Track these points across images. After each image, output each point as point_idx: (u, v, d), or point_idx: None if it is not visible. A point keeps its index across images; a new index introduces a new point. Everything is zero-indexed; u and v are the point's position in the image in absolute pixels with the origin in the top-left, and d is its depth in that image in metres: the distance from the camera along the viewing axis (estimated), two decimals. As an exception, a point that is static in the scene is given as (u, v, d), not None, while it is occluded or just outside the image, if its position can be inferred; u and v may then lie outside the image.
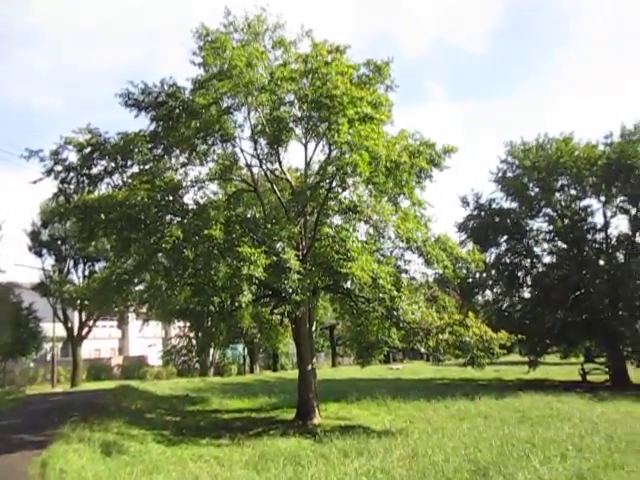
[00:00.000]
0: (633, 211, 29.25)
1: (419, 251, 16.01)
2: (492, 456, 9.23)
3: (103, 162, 16.18)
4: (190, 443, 12.56)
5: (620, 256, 30.17)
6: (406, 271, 17.52)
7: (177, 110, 15.57)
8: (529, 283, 32.22)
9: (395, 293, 13.94)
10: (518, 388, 23.98)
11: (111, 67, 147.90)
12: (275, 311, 19.90)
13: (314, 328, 18.53)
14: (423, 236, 16.15)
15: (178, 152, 16.56)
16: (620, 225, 30.63)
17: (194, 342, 17.67)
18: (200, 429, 15.06)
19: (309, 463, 9.58)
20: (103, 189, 16.61)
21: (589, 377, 30.83)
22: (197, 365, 32.69)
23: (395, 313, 14.00)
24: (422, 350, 16.78)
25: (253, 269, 12.39)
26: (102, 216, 15.27)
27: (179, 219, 15.60)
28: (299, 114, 15.56)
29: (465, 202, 32.72)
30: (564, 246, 30.95)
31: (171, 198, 16.03)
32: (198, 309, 15.83)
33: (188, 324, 18.26)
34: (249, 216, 18.15)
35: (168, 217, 15.87)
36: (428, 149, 16.05)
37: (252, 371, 44.28)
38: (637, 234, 29.63)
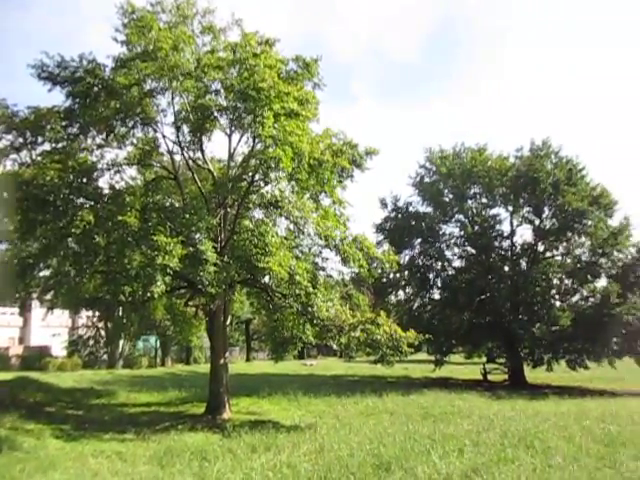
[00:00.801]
0: (537, 222, 31.31)
1: (337, 249, 16.25)
2: (395, 451, 9.54)
3: (9, 137, 15.10)
4: (92, 438, 12.00)
5: (523, 263, 32.03)
6: (323, 268, 17.72)
7: (96, 88, 14.81)
8: (439, 285, 33.53)
9: (311, 290, 14.07)
10: (424, 386, 24.96)
11: (28, 36, 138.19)
12: (190, 303, 19.51)
13: (229, 322, 18.32)
14: (341, 235, 16.41)
15: (95, 132, 15.77)
16: (525, 234, 32.69)
17: (102, 333, 16.94)
18: (104, 424, 14.40)
19: (216, 458, 9.46)
20: (8, 165, 15.54)
21: (490, 376, 32.67)
22: (105, 357, 31.36)
23: (310, 309, 14.15)
24: (334, 347, 17.07)
25: (168, 259, 12.04)
26: (5, 194, 14.25)
27: (92, 203, 14.84)
28: (225, 104, 15.27)
29: (384, 204, 33.61)
30: (473, 251, 32.50)
31: (84, 180, 15.19)
32: (108, 298, 15.14)
33: (97, 313, 17.47)
34: (167, 204, 17.57)
35: (80, 200, 15.03)
36: (351, 149, 16.33)
37: (164, 364, 43.06)
38: (539, 243, 31.75)
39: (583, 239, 30.55)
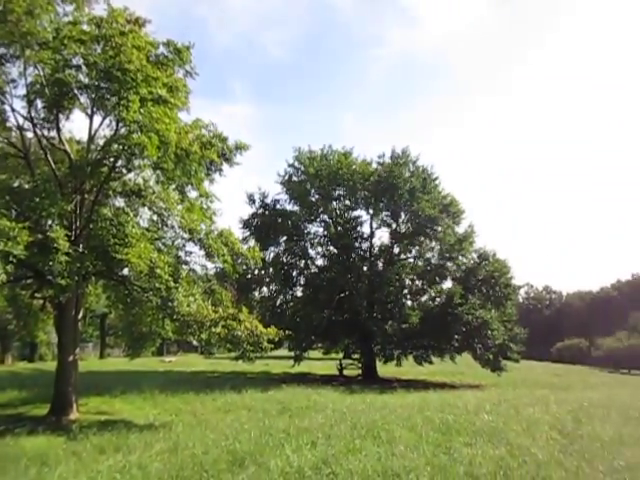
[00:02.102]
0: (394, 225, 33.27)
1: (201, 243, 15.91)
2: (250, 446, 9.58)
3: None
4: None
5: (380, 264, 33.78)
6: (186, 262, 17.23)
7: None
8: (302, 283, 34.31)
9: (172, 284, 13.61)
10: (283, 381, 25.36)
11: None
12: (37, 295, 17.89)
13: (82, 316, 17.04)
14: (207, 229, 16.09)
15: None
16: (383, 237, 34.48)
17: None
18: None
19: (57, 462, 8.74)
20: None
21: (345, 372, 34.08)
22: None
23: (170, 304, 13.66)
24: (195, 343, 16.71)
25: (12, 246, 10.91)
26: None
27: None
28: (86, 81, 14.17)
29: (251, 200, 33.56)
30: (335, 251, 33.57)
31: None
32: None
33: None
34: (15, 185, 15.92)
35: None
36: (220, 142, 16.04)
37: (3, 362, 39.02)
38: (395, 246, 33.79)
39: (433, 244, 33.07)
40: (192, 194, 17.43)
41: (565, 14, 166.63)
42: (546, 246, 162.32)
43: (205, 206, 17.48)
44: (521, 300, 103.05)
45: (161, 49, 15.19)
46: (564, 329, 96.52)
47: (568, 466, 8.24)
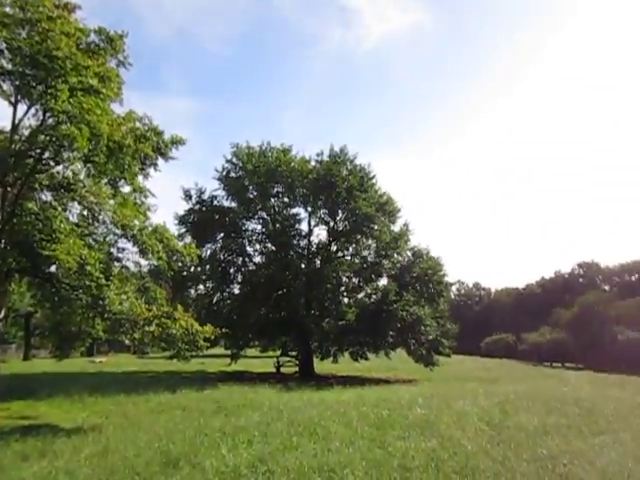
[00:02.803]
0: (331, 223, 33.55)
1: (135, 240, 15.39)
2: (185, 447, 9.38)
3: None
4: None
5: (318, 262, 33.95)
6: (119, 259, 16.64)
7: None
8: (239, 280, 33.99)
9: (104, 281, 13.12)
10: (219, 380, 25.03)
11: None
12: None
13: (3, 316, 16.11)
14: (140, 225, 15.58)
15: None
16: (320, 234, 34.63)
17: None
18: None
19: (-27, 473, 8.24)
20: None
21: (283, 369, 34.09)
22: None
23: (101, 302, 13.15)
24: (127, 342, 16.20)
25: None
26: None
27: None
28: (9, 67, 13.39)
29: (188, 196, 32.86)
30: (273, 248, 33.49)
31: None
32: None
33: None
34: None
35: None
36: (155, 136, 15.58)
37: None
38: (332, 244, 34.08)
39: (370, 242, 33.59)
40: (125, 189, 16.84)
41: (501, 14, 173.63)
42: (476, 244, 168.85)
43: (139, 201, 16.94)
44: (453, 297, 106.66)
45: (92, 37, 14.54)
46: (493, 324, 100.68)
47: (495, 456, 8.59)
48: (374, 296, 32.79)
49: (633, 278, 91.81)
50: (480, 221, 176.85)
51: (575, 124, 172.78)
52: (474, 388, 20.84)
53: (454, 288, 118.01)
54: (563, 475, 7.53)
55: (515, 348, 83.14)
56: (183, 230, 32.02)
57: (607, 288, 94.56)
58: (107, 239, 16.75)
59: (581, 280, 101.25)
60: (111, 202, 15.63)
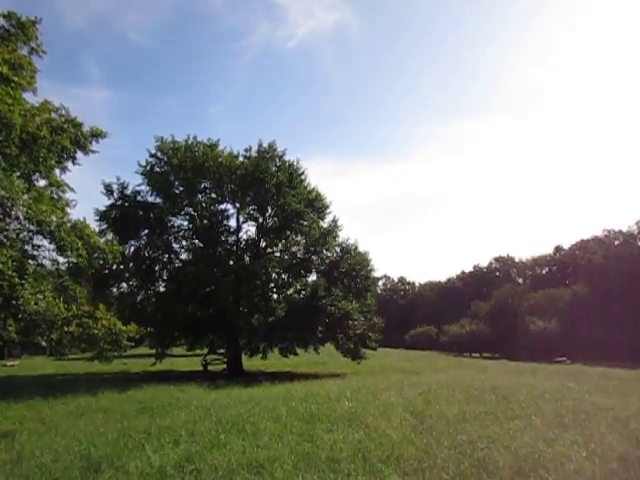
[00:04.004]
0: (260, 219, 33.38)
1: (52, 236, 14.63)
2: (107, 450, 9.06)
3: None
4: None
5: (247, 258, 33.68)
6: (34, 257, 15.76)
7: None
8: (165, 278, 33.14)
9: (17, 280, 12.39)
10: (143, 380, 24.30)
11: None
12: None
13: None
14: (58, 221, 14.82)
15: None
16: (249, 230, 34.41)
17: None
18: None
19: None
20: None
21: (210, 367, 33.61)
22: None
23: (15, 302, 12.43)
24: (43, 344, 15.37)
25: None
26: None
27: None
28: None
29: (109, 191, 31.56)
30: (200, 245, 32.92)
31: None
32: None
33: None
34: None
35: None
36: (74, 128, 14.86)
37: None
38: (262, 240, 33.92)
39: (299, 238, 33.69)
40: (41, 183, 15.96)
41: (420, 15, 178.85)
42: (401, 239, 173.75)
43: (56, 196, 16.09)
44: (379, 291, 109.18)
45: (1, 22, 13.68)
46: (417, 317, 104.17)
47: (418, 444, 8.91)
48: (303, 292, 32.96)
49: (544, 271, 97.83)
50: (405, 217, 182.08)
51: (487, 125, 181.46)
52: (399, 379, 21.45)
53: (381, 283, 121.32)
54: (480, 459, 7.92)
55: (437, 340, 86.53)
56: (104, 226, 30.67)
57: (521, 281, 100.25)
58: (21, 236, 15.79)
59: (498, 274, 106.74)
60: (25, 197, 14.74)
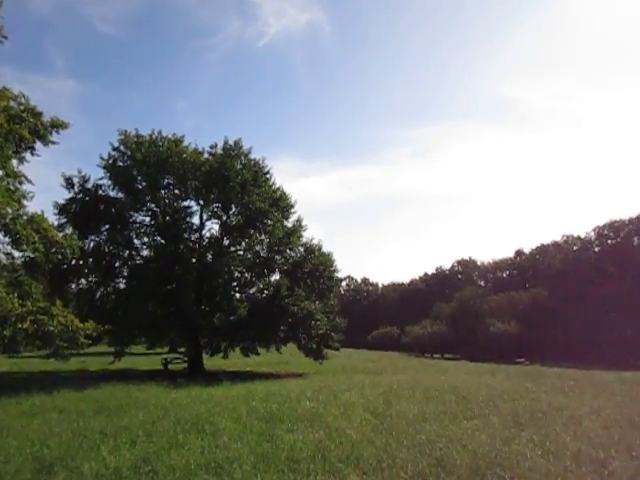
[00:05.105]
0: (224, 217, 33.02)
1: (6, 229, 14.18)
2: (61, 451, 8.80)
3: None
4: None
5: (209, 256, 33.26)
6: (-13, 250, 15.26)
7: None
8: (125, 274, 32.43)
9: (-32, 274, 11.96)
10: (101, 379, 23.73)
11: None
12: None
13: None
14: (14, 213, 14.38)
15: None
16: (213, 228, 33.91)
17: None
18: None
19: None
20: None
21: (170, 366, 33.10)
22: None
23: (-35, 297, 12.00)
24: (-5, 341, 14.87)
25: None
26: None
27: None
28: None
29: (70, 184, 30.64)
30: (163, 241, 32.33)
31: None
32: None
33: None
34: None
35: None
36: (33, 117, 14.46)
37: None
38: (225, 238, 33.58)
39: (263, 237, 33.47)
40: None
41: (393, 14, 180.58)
42: (366, 240, 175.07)
43: (12, 187, 15.59)
44: (343, 292, 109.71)
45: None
46: (379, 318, 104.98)
47: (378, 443, 8.98)
48: (266, 291, 32.82)
49: (505, 274, 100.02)
50: (370, 219, 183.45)
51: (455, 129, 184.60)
52: (361, 380, 21.59)
53: (344, 283, 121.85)
54: (438, 458, 8.03)
55: (399, 340, 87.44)
56: (64, 220, 29.77)
57: (482, 284, 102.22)
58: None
59: (460, 276, 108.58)
60: (-21, 187, 14.26)
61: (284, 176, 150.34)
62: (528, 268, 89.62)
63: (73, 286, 31.37)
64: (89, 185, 31.03)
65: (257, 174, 32.34)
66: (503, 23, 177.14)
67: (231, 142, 32.50)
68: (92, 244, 30.77)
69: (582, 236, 72.80)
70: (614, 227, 65.93)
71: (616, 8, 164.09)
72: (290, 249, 33.47)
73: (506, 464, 7.66)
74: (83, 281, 31.67)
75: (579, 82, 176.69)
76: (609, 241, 66.53)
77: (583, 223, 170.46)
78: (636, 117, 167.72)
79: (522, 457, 8.02)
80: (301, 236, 33.91)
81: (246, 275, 33.60)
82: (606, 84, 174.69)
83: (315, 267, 32.45)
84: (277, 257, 33.36)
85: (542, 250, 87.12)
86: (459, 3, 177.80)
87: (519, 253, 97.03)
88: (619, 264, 60.90)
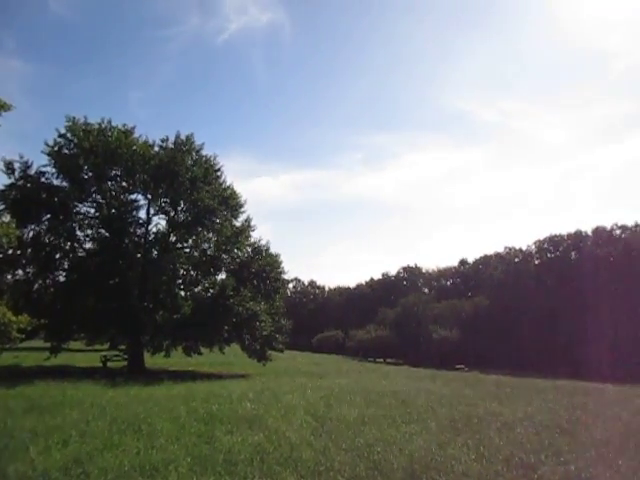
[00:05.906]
0: (172, 213, 32.41)
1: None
2: (-16, 451, 8.42)
3: None
4: None
5: (155, 252, 32.52)
6: None
7: None
8: (66, 267, 31.28)
9: None
10: (35, 375, 22.76)
11: None
12: None
13: None
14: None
15: None
16: (159, 224, 33.18)
17: None
18: None
19: None
20: None
21: (110, 364, 32.15)
22: None
23: None
24: None
25: None
26: None
27: None
28: None
29: (10, 169, 29.23)
30: (107, 235, 31.34)
31: None
32: None
33: None
34: None
35: None
36: (-27, 98, 13.79)
37: None
38: (172, 234, 32.91)
39: (211, 235, 33.10)
40: None
41: (355, 27, 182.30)
42: (312, 243, 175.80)
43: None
44: (289, 294, 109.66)
45: None
46: (324, 321, 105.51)
47: (317, 446, 9.04)
48: (211, 290, 32.47)
49: (449, 282, 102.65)
50: (321, 222, 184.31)
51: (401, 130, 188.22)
52: (303, 382, 21.65)
53: (291, 285, 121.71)
54: (376, 462, 8.17)
55: (343, 344, 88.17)
56: (1, 207, 28.42)
57: (427, 291, 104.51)
58: None
59: (405, 282, 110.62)
60: None
61: (235, 175, 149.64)
62: (471, 277, 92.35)
63: (9, 277, 29.99)
64: (31, 172, 29.72)
65: (208, 171, 31.98)
66: (462, 40, 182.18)
67: (183, 137, 32.05)
68: (31, 233, 29.48)
69: (523, 248, 75.75)
70: (554, 241, 68.99)
71: (567, 33, 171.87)
72: (238, 249, 33.21)
73: (441, 468, 7.87)
74: (20, 272, 30.31)
75: (529, 101, 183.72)
76: (549, 254, 69.49)
77: (525, 236, 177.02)
78: (582, 137, 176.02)
79: (456, 461, 8.25)
80: (249, 236, 33.73)
81: (192, 273, 33.10)
82: (553, 104, 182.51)
83: (262, 268, 32.34)
84: (224, 256, 33.00)
85: (485, 260, 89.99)
86: (419, 19, 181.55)
87: (463, 262, 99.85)
88: (558, 277, 63.70)
